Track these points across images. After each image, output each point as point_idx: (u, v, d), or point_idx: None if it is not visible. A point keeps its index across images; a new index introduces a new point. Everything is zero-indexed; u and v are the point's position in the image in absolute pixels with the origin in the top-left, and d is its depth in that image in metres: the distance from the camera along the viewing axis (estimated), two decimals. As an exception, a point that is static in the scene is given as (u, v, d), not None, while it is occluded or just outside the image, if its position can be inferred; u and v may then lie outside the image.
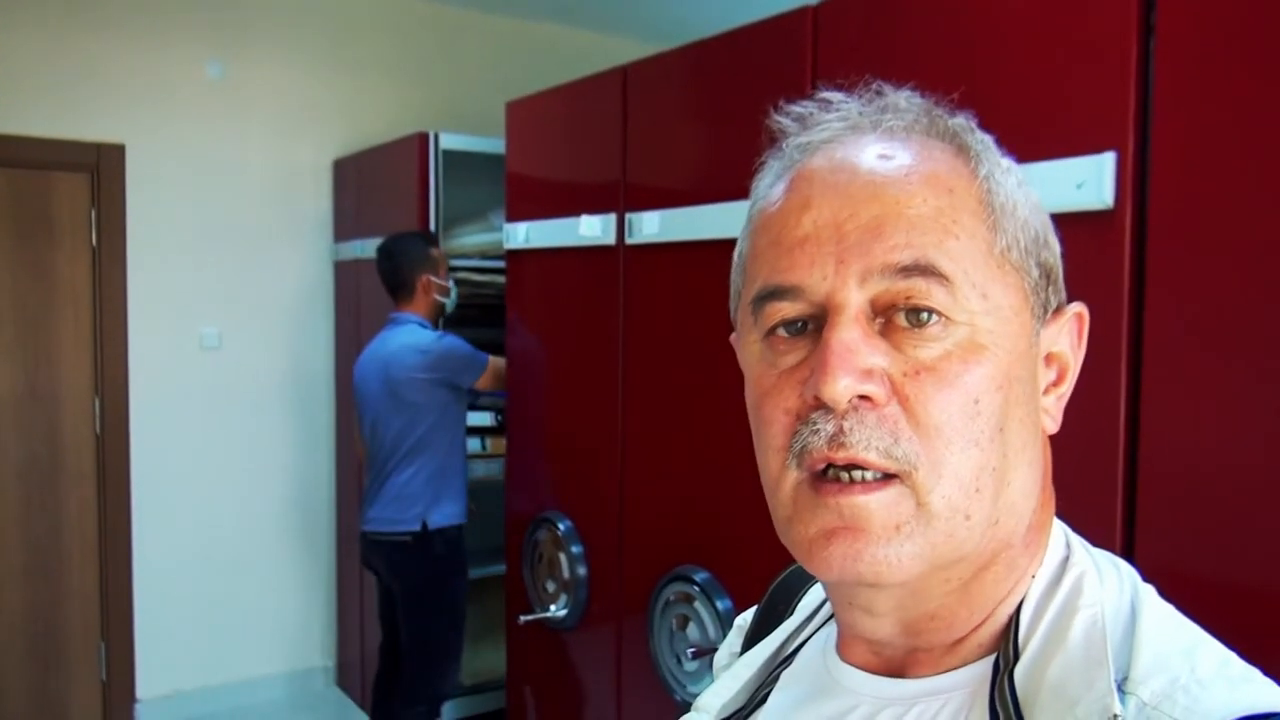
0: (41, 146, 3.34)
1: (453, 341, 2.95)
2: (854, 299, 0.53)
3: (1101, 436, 1.19)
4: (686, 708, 0.69)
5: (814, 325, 0.55)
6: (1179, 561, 1.13)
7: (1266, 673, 0.52)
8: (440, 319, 3.11)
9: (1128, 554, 1.15)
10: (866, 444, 0.52)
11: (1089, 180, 1.18)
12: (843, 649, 0.64)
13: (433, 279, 3.03)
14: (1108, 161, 1.17)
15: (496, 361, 2.89)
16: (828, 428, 0.52)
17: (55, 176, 3.40)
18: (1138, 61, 1.16)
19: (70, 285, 3.44)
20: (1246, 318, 1.07)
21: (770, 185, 0.60)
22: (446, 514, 2.97)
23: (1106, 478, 1.19)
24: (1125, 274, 1.17)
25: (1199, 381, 1.11)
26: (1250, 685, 0.50)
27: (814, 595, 0.73)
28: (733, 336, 0.62)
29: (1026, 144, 1.23)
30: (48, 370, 3.43)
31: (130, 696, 3.59)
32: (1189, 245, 1.12)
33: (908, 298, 0.53)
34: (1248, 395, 1.07)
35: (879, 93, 0.60)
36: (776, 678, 0.67)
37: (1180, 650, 0.52)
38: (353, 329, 3.72)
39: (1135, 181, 1.16)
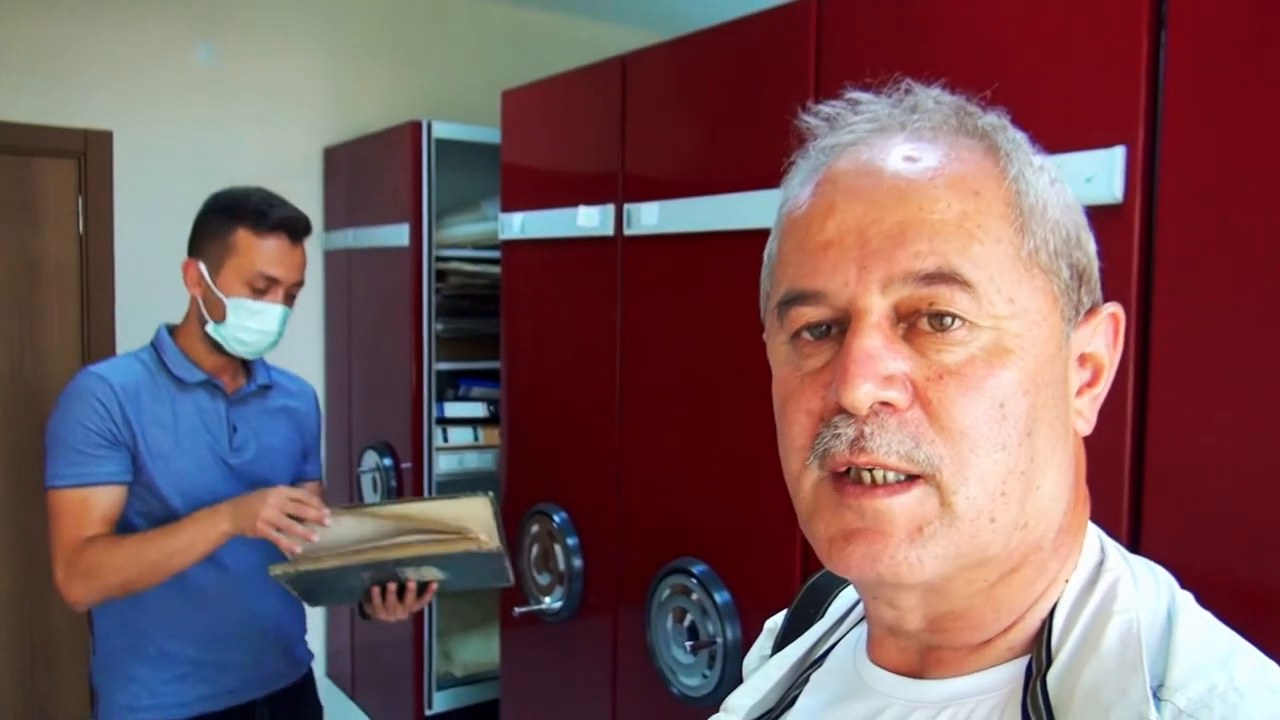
0: (27, 132, 3.29)
1: (70, 399, 1.70)
2: (876, 305, 0.53)
3: (1108, 432, 1.19)
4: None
5: (838, 329, 0.55)
6: (1186, 560, 1.13)
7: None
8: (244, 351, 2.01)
9: (1133, 551, 1.15)
10: (887, 449, 0.52)
11: (1098, 174, 1.17)
12: (872, 651, 0.63)
13: (201, 268, 1.80)
14: (1117, 155, 1.16)
15: (64, 497, 1.67)
16: (849, 432, 0.52)
17: (41, 163, 3.35)
18: (1148, 55, 1.15)
19: (57, 273, 3.40)
20: (1256, 312, 1.07)
21: (798, 188, 0.60)
22: (119, 705, 1.79)
23: (1113, 474, 1.18)
24: (1134, 268, 1.17)
25: (1208, 376, 1.11)
26: None
27: (845, 598, 0.73)
28: (765, 335, 0.62)
29: (1036, 137, 1.23)
30: (35, 360, 3.38)
31: (118, 688, 3.56)
32: (1198, 240, 1.11)
33: (931, 303, 0.52)
34: (1257, 390, 1.07)
35: (908, 92, 0.60)
36: (806, 680, 0.67)
37: (1217, 657, 0.51)
38: (342, 320, 3.70)
39: (1145, 176, 1.16)
